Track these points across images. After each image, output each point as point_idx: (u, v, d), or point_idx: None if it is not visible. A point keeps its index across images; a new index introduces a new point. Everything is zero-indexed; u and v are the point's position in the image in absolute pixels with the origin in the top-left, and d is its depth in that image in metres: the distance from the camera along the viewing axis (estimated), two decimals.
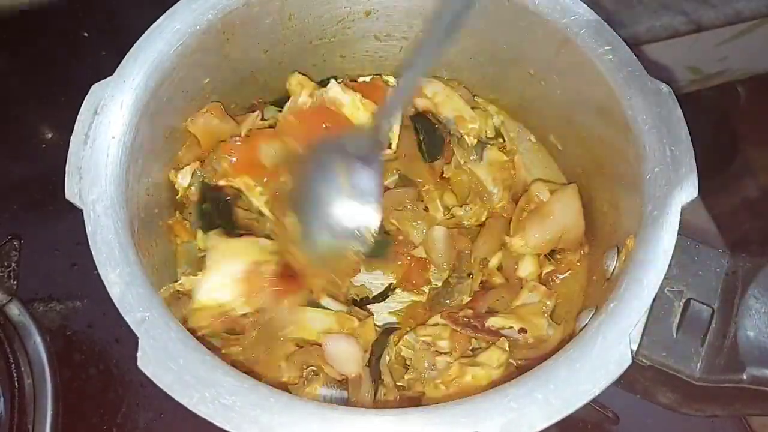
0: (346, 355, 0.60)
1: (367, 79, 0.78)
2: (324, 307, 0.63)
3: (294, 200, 0.59)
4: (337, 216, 0.56)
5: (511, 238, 0.66)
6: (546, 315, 0.63)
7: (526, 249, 0.66)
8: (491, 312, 0.64)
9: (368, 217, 0.55)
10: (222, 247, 0.59)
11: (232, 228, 0.65)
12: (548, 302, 0.64)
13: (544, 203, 0.67)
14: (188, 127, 0.66)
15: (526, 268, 0.67)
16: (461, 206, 0.71)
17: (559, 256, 0.68)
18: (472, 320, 0.62)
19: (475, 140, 0.71)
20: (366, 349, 0.61)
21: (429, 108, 0.72)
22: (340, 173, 0.56)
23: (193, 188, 0.66)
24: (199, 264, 0.66)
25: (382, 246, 0.67)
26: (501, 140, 0.74)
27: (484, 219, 0.71)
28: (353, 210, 0.55)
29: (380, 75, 0.78)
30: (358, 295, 0.68)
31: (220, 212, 0.66)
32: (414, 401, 0.60)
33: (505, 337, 0.61)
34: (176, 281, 0.63)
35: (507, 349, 0.59)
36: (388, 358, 0.62)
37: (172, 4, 0.60)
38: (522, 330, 0.61)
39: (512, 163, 0.73)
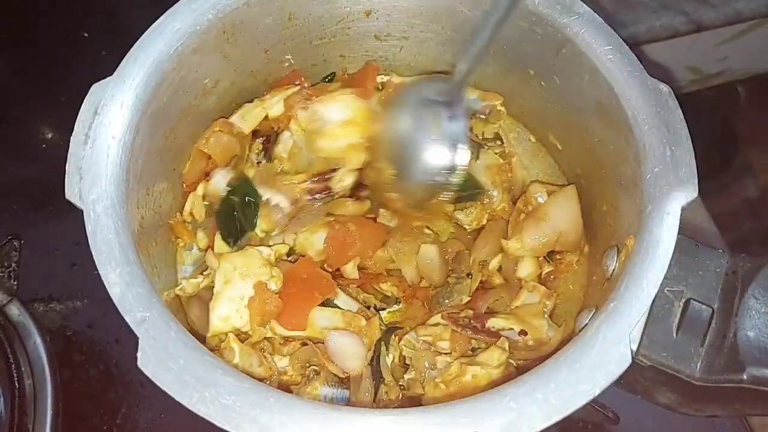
0: (349, 352, 0.60)
1: None
2: (335, 306, 0.63)
3: (386, 149, 0.63)
4: (429, 157, 0.59)
5: (507, 240, 0.66)
6: (546, 316, 0.63)
7: (522, 251, 0.66)
8: (492, 313, 0.64)
9: (457, 156, 0.59)
10: (227, 268, 0.60)
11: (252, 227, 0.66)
12: (548, 302, 0.64)
13: (541, 205, 0.67)
14: (201, 148, 0.67)
15: (525, 269, 0.67)
16: (462, 209, 0.71)
17: (558, 257, 0.68)
18: (472, 321, 0.62)
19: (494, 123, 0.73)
20: (370, 347, 0.62)
21: None
22: (429, 120, 0.60)
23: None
24: (201, 266, 0.67)
25: (472, 188, 0.69)
26: (499, 143, 0.74)
27: (485, 222, 0.71)
28: (444, 152, 0.59)
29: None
30: (365, 302, 0.68)
31: (244, 212, 0.66)
32: (414, 401, 0.60)
33: (505, 338, 0.61)
34: (177, 285, 0.63)
35: (507, 348, 0.59)
36: (390, 357, 0.62)
37: (172, 4, 0.60)
38: (522, 332, 0.61)
39: (509, 166, 0.73)
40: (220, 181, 0.66)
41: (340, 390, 0.61)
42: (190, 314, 0.63)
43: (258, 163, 0.70)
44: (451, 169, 0.59)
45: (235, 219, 0.65)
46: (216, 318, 0.58)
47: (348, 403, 0.60)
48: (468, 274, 0.68)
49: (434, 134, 0.59)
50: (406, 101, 0.64)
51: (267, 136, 0.72)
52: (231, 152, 0.69)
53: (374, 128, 0.65)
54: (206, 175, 0.69)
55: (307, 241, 0.66)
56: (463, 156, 0.59)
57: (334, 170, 0.68)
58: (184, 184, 0.68)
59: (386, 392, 0.60)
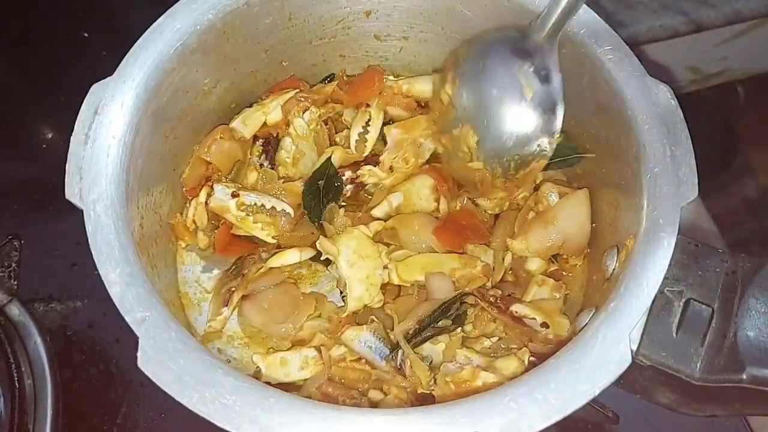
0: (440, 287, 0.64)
1: None
2: None
3: (466, 111, 0.57)
4: (516, 122, 0.55)
5: (512, 240, 0.66)
6: (565, 314, 0.63)
7: (527, 253, 0.65)
8: (517, 299, 0.64)
9: (549, 125, 0.55)
10: (348, 253, 0.62)
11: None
12: (557, 295, 0.64)
13: (550, 208, 0.66)
14: (203, 156, 0.67)
15: (535, 263, 0.67)
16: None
17: (565, 256, 0.68)
18: (498, 300, 0.62)
19: None
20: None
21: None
22: (518, 78, 0.54)
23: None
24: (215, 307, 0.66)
25: (567, 153, 0.65)
26: None
27: (505, 208, 0.70)
28: (534, 119, 0.55)
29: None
30: None
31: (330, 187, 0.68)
32: (428, 399, 0.60)
33: (527, 327, 0.61)
34: (177, 285, 0.64)
35: (525, 362, 0.59)
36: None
37: (172, 4, 0.60)
38: (544, 324, 0.61)
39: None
40: (222, 194, 0.66)
41: (383, 346, 0.61)
42: (251, 318, 0.65)
43: (261, 165, 0.70)
44: (548, 135, 0.54)
45: (320, 201, 0.67)
46: (353, 300, 0.62)
47: (384, 358, 0.61)
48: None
49: (526, 95, 0.54)
50: (487, 55, 0.56)
51: (266, 139, 0.72)
52: (233, 158, 0.69)
53: (448, 88, 0.59)
54: (207, 180, 0.68)
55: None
56: (559, 122, 0.55)
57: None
58: (184, 189, 0.68)
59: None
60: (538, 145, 0.55)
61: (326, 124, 0.73)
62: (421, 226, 0.66)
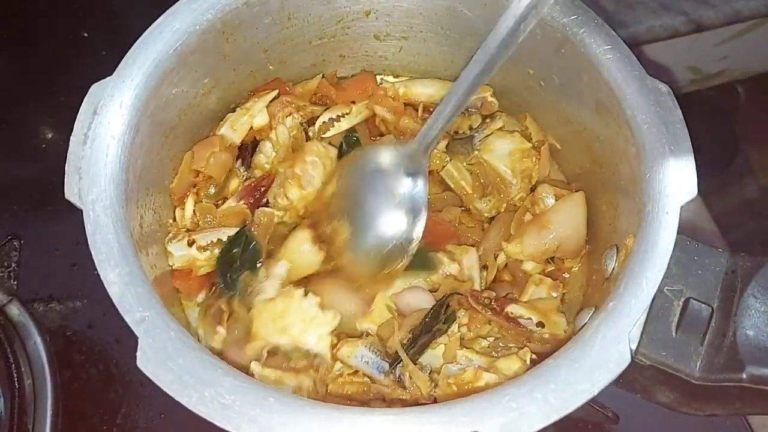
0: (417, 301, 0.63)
1: None
2: None
3: (343, 206, 0.62)
4: (383, 226, 0.59)
5: (507, 243, 0.66)
6: (562, 313, 0.63)
7: (521, 256, 0.65)
8: (512, 299, 0.64)
9: (411, 229, 0.59)
10: (272, 328, 0.58)
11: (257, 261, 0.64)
12: (555, 294, 0.64)
13: (546, 212, 0.66)
14: (199, 169, 0.66)
15: (530, 263, 0.67)
16: (480, 199, 0.70)
17: (562, 258, 0.68)
18: (492, 302, 0.62)
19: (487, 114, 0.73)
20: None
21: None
22: (389, 185, 0.59)
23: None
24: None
25: (425, 260, 0.66)
26: (525, 128, 0.73)
27: (502, 210, 0.70)
28: (399, 221, 0.59)
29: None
30: None
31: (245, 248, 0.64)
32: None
33: (522, 327, 0.61)
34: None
35: (527, 361, 0.58)
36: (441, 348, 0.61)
37: (172, 4, 0.60)
38: (540, 324, 0.61)
39: (537, 152, 0.71)
40: (181, 251, 0.63)
41: (380, 360, 0.60)
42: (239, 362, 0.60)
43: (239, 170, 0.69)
44: (410, 239, 0.59)
45: (235, 270, 0.63)
46: (318, 345, 0.58)
47: (383, 372, 0.60)
48: (484, 266, 0.68)
49: (393, 201, 0.59)
50: (366, 163, 0.62)
51: (242, 144, 0.70)
52: (227, 167, 0.68)
53: (331, 186, 0.64)
54: (193, 186, 0.68)
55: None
56: (420, 227, 0.59)
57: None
58: (173, 198, 0.67)
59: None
60: (400, 247, 0.59)
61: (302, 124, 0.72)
62: (344, 301, 0.63)
